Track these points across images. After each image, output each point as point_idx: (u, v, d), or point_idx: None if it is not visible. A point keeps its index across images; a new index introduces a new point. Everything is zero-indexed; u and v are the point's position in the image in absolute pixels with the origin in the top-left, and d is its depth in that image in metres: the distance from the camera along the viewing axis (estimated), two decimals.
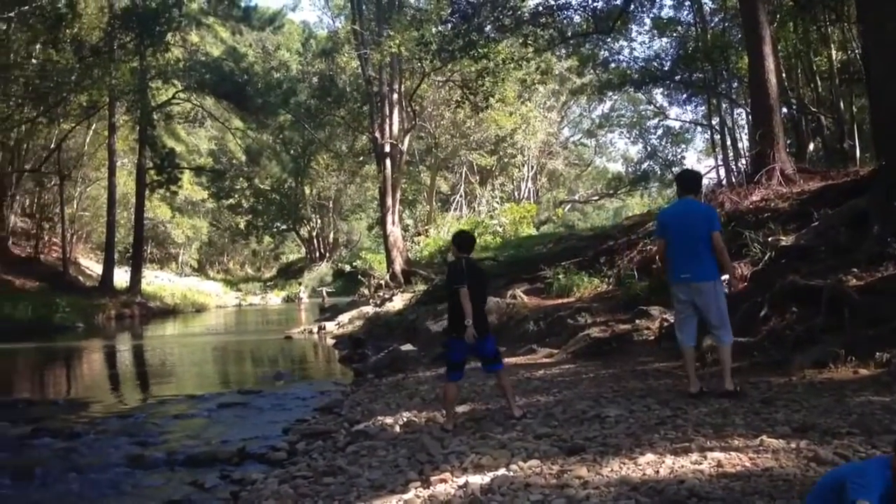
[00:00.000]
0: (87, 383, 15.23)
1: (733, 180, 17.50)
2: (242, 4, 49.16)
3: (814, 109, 23.64)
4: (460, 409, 7.23)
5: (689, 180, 7.25)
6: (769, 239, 10.62)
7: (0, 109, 28.92)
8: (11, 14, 27.77)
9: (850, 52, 22.62)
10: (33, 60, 29.47)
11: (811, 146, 23.14)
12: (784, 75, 21.08)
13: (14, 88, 27.83)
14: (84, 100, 30.88)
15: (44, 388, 14.58)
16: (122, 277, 38.28)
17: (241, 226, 63.57)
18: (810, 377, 6.97)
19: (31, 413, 9.98)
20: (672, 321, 10.40)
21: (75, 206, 42.68)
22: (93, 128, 38.72)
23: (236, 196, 58.41)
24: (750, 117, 23.16)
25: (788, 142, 18.72)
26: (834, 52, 22.79)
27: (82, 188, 43.11)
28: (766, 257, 10.31)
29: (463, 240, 6.82)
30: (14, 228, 38.50)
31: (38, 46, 30.07)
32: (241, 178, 55.86)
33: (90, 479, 6.67)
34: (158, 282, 46.27)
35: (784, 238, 10.48)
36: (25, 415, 9.81)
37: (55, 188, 38.25)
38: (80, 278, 38.82)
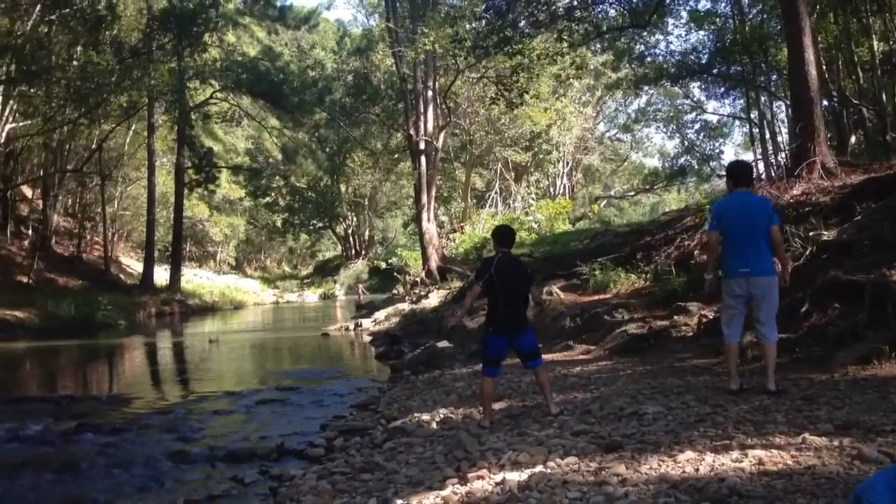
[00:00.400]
0: (128, 380, 15.48)
1: (773, 174, 17.25)
2: (278, 4, 49.60)
3: (855, 101, 23.20)
4: (497, 405, 7.22)
5: (743, 172, 7.06)
6: (810, 234, 10.45)
7: (42, 111, 29.49)
8: (53, 17, 28.30)
9: (892, 42, 22.16)
10: (74, 62, 29.95)
11: (853, 139, 22.70)
12: (824, 67, 20.70)
13: (56, 90, 28.33)
14: (124, 100, 31.34)
15: (87, 384, 14.84)
16: (161, 275, 38.87)
17: (278, 224, 64.17)
18: (853, 374, 6.84)
19: (74, 409, 10.17)
20: (710, 317, 10.31)
21: (116, 205, 43.43)
22: (132, 128, 39.32)
23: (273, 194, 58.96)
24: (789, 110, 22.81)
25: (829, 135, 18.38)
26: (876, 42, 22.32)
27: (123, 188, 43.86)
28: (807, 252, 10.14)
29: (501, 234, 6.80)
30: (57, 228, 39.27)
31: (78, 48, 30.57)
32: (277, 177, 56.38)
33: (132, 474, 6.77)
34: (197, 280, 46.89)
35: (826, 233, 10.30)
36: (69, 411, 9.99)
37: (96, 188, 38.92)
38: (122, 276, 39.48)
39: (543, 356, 6.91)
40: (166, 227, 45.97)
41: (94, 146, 36.32)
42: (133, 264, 44.10)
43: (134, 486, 6.47)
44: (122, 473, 6.79)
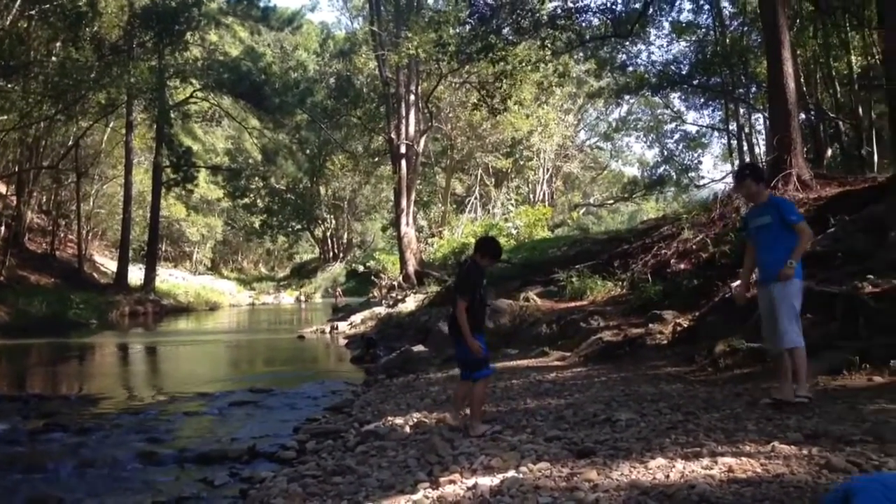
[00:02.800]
0: (99, 380, 15.29)
1: None
2: (261, 4, 49.21)
3: (832, 115, 23.48)
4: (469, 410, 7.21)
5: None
6: None
7: (19, 106, 29.13)
8: (32, 12, 28.01)
9: (870, 57, 22.45)
10: (53, 58, 29.67)
11: (829, 152, 22.96)
12: (803, 81, 20.95)
13: (34, 86, 28.02)
14: (102, 98, 31.04)
15: (56, 383, 14.64)
16: (136, 275, 38.53)
17: (256, 225, 63.79)
18: (824, 384, 6.90)
19: (43, 408, 10.03)
20: (685, 325, 10.39)
21: (91, 203, 43.03)
22: (110, 125, 38.98)
23: (251, 195, 58.60)
24: (767, 122, 23.03)
25: (806, 147, 18.58)
26: (854, 57, 22.62)
27: (99, 185, 43.46)
28: None
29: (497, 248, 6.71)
30: (30, 224, 38.79)
31: (58, 44, 30.29)
32: (256, 178, 56.04)
33: (100, 475, 6.70)
34: (172, 280, 46.53)
35: None
36: (38, 410, 9.86)
37: (72, 185, 38.53)
38: (95, 275, 39.09)
39: (519, 362, 6.93)
40: (142, 226, 45.59)
41: (70, 143, 35.95)
42: (107, 263, 43.68)
43: (102, 486, 6.40)
44: (91, 474, 6.73)
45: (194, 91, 39.36)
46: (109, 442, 7.91)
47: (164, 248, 55.94)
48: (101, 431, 8.37)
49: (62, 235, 41.41)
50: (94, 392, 12.09)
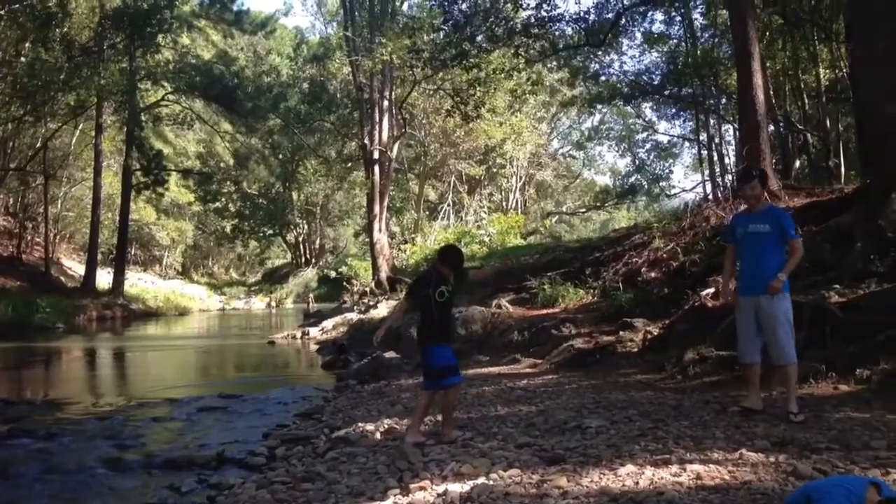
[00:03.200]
0: (65, 384, 15.05)
1: (720, 195, 17.59)
2: (235, 8, 48.98)
3: (800, 127, 23.81)
4: (441, 417, 7.20)
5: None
6: None
7: None
8: (1, 12, 27.63)
9: (837, 71, 22.81)
10: (22, 59, 29.31)
11: (797, 163, 23.29)
12: (772, 92, 21.23)
13: (2, 87, 27.66)
14: (72, 99, 30.74)
15: (21, 388, 14.41)
16: (104, 279, 38.06)
17: (227, 230, 63.34)
18: None
19: (7, 413, 9.85)
20: (655, 333, 10.46)
21: (59, 205, 42.47)
22: (80, 127, 38.55)
23: (223, 200, 58.24)
24: (737, 133, 23.33)
25: (775, 159, 18.84)
26: (822, 70, 22.98)
27: (67, 188, 42.89)
28: None
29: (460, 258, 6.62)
30: None
31: (27, 45, 29.91)
32: (228, 182, 55.71)
33: (66, 481, 6.58)
34: (142, 284, 46.03)
35: None
36: (2, 414, 9.68)
37: (40, 187, 38.00)
38: (62, 279, 38.55)
39: (491, 369, 6.92)
40: (111, 229, 45.04)
41: (39, 145, 35.48)
42: (75, 266, 43.09)
43: (67, 492, 6.30)
44: (56, 479, 6.61)
45: (166, 94, 39.06)
46: (75, 447, 7.79)
47: (133, 252, 55.31)
48: (67, 437, 8.25)
49: (29, 238, 40.79)
50: (61, 397, 11.91)
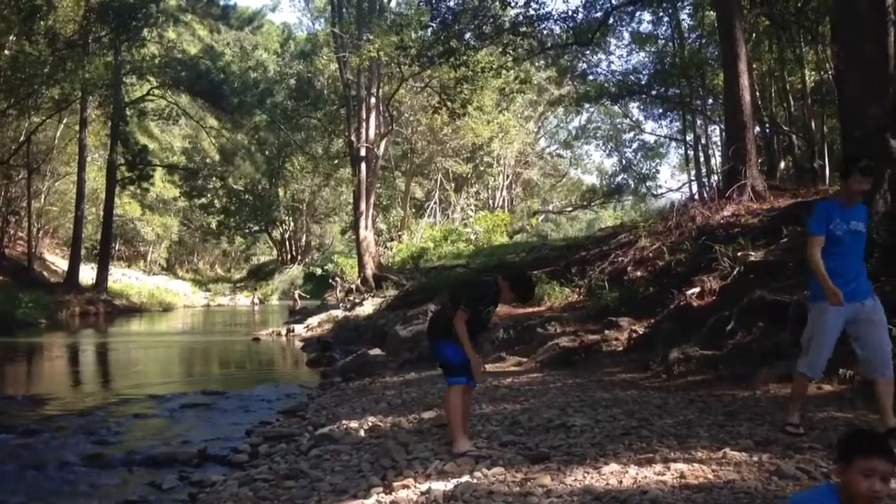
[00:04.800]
0: (46, 380, 14.94)
1: (705, 195, 17.64)
2: (221, 3, 48.75)
3: (786, 129, 23.93)
4: (426, 414, 7.19)
5: None
6: (738, 254, 10.70)
7: None
8: None
9: (823, 73, 22.92)
10: (6, 52, 29.00)
11: (782, 164, 23.39)
12: (758, 94, 21.33)
13: None
14: (56, 93, 30.47)
15: (1, 383, 14.29)
16: (88, 274, 37.76)
17: (213, 226, 62.93)
18: (775, 391, 7.01)
19: None
20: (640, 332, 10.48)
21: (43, 200, 42.10)
22: (64, 121, 38.21)
23: (209, 195, 57.80)
24: (723, 134, 23.38)
25: (760, 160, 18.90)
26: (808, 72, 23.08)
27: (51, 182, 42.53)
28: (734, 272, 10.38)
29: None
30: None
31: (11, 38, 29.60)
32: (214, 178, 55.30)
33: (46, 477, 6.54)
34: (126, 280, 45.69)
35: (753, 253, 10.56)
36: None
37: (23, 182, 37.60)
38: (45, 274, 38.24)
39: None
40: (95, 224, 44.69)
41: (22, 138, 35.12)
42: (58, 261, 42.75)
43: (47, 489, 6.25)
44: (35, 476, 6.57)
45: (151, 88, 38.77)
46: (55, 444, 7.73)
47: (117, 248, 54.90)
48: (46, 433, 8.18)
49: (12, 233, 40.43)
50: (41, 393, 11.81)
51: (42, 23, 28.27)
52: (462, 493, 4.41)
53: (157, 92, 39.42)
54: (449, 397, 5.64)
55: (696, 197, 19.60)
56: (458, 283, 6.11)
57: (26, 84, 27.65)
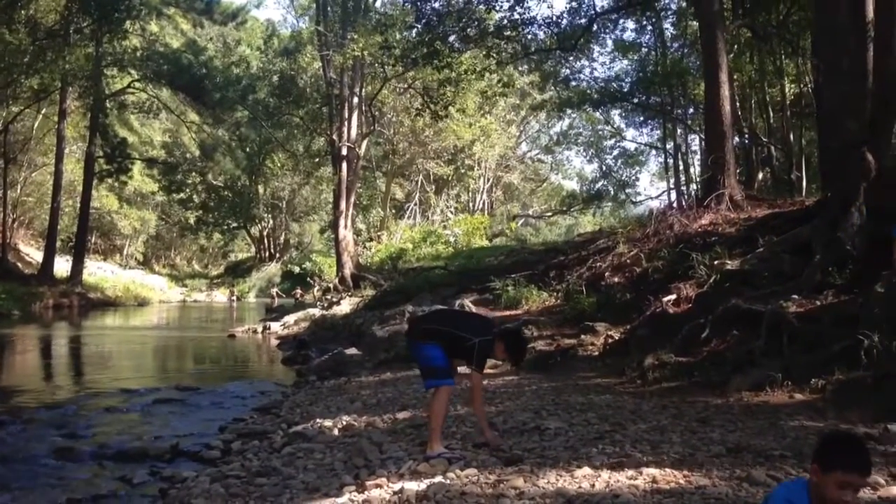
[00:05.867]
0: (17, 372, 14.77)
1: (684, 203, 17.78)
2: None
3: (765, 140, 24.18)
4: (401, 415, 7.19)
5: None
6: (715, 262, 10.79)
7: None
8: None
9: (803, 85, 23.19)
10: None
11: (760, 175, 23.64)
12: (738, 104, 21.53)
13: None
14: (35, 83, 30.21)
15: None
16: (63, 266, 37.36)
17: (191, 221, 62.44)
18: (747, 399, 7.06)
19: None
20: (616, 338, 10.53)
21: (19, 190, 41.64)
22: (42, 112, 37.83)
23: (188, 191, 57.37)
24: (703, 143, 23.60)
25: (739, 169, 19.09)
26: (788, 84, 23.35)
27: (27, 173, 42.07)
28: (711, 280, 10.46)
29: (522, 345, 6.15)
30: None
31: None
32: (193, 173, 54.94)
33: (14, 470, 6.47)
34: (101, 273, 45.27)
35: (729, 262, 10.65)
36: None
37: None
38: (20, 265, 37.79)
39: None
40: (71, 216, 44.21)
41: None
42: (33, 253, 42.28)
43: (15, 481, 6.18)
44: (3, 469, 6.48)
45: (132, 81, 38.47)
46: (24, 436, 7.65)
47: (93, 241, 54.33)
48: (15, 425, 8.10)
49: None
50: (11, 385, 11.68)
51: (23, 11, 28.04)
52: (435, 493, 4.41)
53: (137, 85, 39.13)
54: (440, 399, 5.47)
55: (675, 205, 19.77)
56: (461, 317, 5.82)
57: (5, 73, 27.36)
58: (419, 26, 22.50)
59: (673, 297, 10.57)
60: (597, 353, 10.38)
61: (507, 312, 14.69)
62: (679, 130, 31.70)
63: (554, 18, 23.19)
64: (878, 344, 6.76)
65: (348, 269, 31.18)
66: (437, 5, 22.15)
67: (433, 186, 51.52)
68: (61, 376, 14.19)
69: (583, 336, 11.16)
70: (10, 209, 38.27)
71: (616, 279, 13.54)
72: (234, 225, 63.45)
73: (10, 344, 19.79)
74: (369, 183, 50.48)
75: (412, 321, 6.07)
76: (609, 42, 33.07)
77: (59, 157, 36.16)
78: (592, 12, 24.13)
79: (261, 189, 60.46)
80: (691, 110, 29.75)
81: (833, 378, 6.88)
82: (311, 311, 24.05)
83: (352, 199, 34.39)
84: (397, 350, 12.40)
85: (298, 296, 36.18)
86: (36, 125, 38.85)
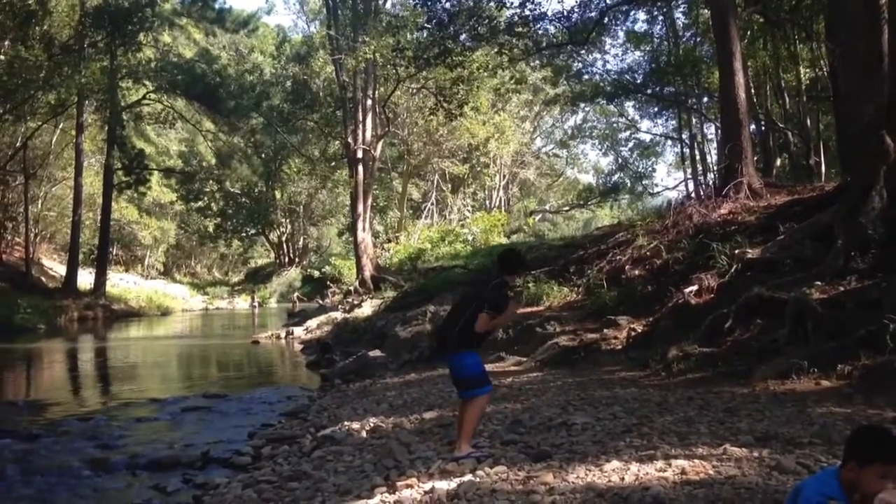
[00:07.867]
0: (47, 385, 14.95)
1: (702, 193, 17.69)
2: (216, 6, 48.64)
3: (781, 126, 24.03)
4: (428, 415, 7.23)
5: None
6: (736, 251, 10.75)
7: None
8: None
9: (818, 70, 23.02)
10: (1, 57, 28.99)
11: (778, 161, 23.51)
12: (753, 91, 21.40)
13: None
14: (52, 98, 30.45)
15: (3, 389, 14.30)
16: (86, 279, 37.70)
17: (210, 229, 62.88)
18: (773, 388, 7.05)
19: None
20: (639, 331, 10.51)
21: (40, 205, 42.03)
22: (60, 126, 38.15)
23: (205, 199, 57.81)
24: (719, 132, 23.46)
25: (756, 157, 18.98)
26: (803, 69, 23.18)
27: (48, 187, 42.45)
28: (732, 269, 10.42)
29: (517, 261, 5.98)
30: None
31: (6, 43, 29.60)
32: (210, 181, 55.32)
33: (49, 482, 6.55)
34: (123, 284, 45.64)
35: (750, 251, 10.61)
36: None
37: (20, 187, 37.59)
38: (43, 279, 38.17)
39: None
40: (92, 229, 44.60)
41: (18, 144, 35.12)
42: (56, 267, 42.68)
43: (51, 494, 6.27)
44: (39, 481, 6.58)
45: (147, 93, 38.75)
46: (58, 448, 7.74)
47: (115, 252, 54.84)
48: (49, 438, 8.21)
49: (9, 238, 40.34)
50: (43, 398, 11.84)
51: (38, 28, 28.31)
52: (465, 491, 4.44)
53: (153, 96, 39.41)
54: (478, 404, 5.47)
55: (693, 195, 19.66)
56: (465, 299, 5.78)
57: (22, 89, 27.63)
58: (430, 26, 22.53)
59: (695, 287, 10.53)
60: (620, 347, 10.37)
61: (529, 309, 14.68)
62: (694, 120, 31.53)
63: (565, 13, 23.17)
64: None
65: (368, 272, 31.26)
66: (447, 5, 22.17)
67: (449, 185, 51.53)
68: (90, 388, 14.36)
69: (605, 330, 11.14)
70: (32, 224, 38.65)
71: (636, 272, 13.50)
72: (253, 231, 63.83)
73: (38, 357, 20.04)
74: (385, 184, 50.60)
75: (440, 338, 5.94)
76: (621, 34, 32.98)
77: (78, 171, 36.51)
78: (603, 5, 24.05)
79: (278, 194, 60.72)
80: (706, 99, 29.60)
81: (859, 364, 6.86)
82: (333, 314, 24.15)
83: (369, 202, 34.47)
84: (421, 351, 12.46)
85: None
86: (54, 140, 39.21)
